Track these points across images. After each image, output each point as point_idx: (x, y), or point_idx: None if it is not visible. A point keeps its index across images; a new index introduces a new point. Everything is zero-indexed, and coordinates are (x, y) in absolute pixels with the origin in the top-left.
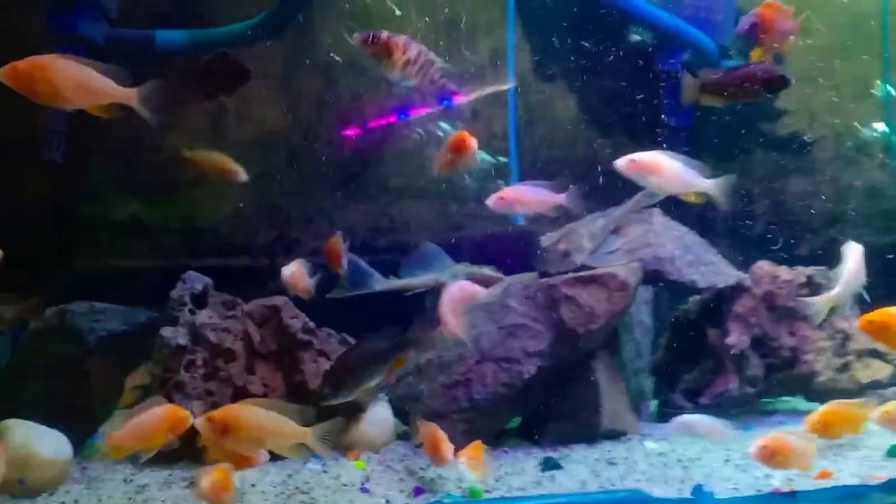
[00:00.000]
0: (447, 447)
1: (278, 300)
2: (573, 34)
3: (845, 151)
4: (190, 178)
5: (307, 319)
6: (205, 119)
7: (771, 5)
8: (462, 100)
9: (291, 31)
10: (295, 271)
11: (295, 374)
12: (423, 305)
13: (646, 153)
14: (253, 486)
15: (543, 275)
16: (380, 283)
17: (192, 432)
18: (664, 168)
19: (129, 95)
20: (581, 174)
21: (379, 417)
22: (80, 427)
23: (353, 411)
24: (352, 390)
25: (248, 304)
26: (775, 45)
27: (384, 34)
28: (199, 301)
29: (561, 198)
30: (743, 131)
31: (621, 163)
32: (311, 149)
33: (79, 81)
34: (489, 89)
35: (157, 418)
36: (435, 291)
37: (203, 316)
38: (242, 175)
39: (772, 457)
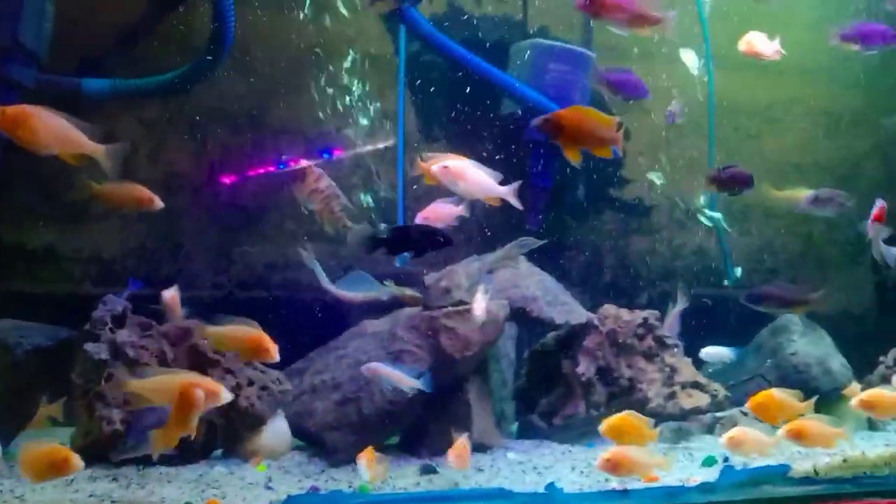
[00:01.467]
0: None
1: (191, 323)
2: (455, 101)
3: (678, 216)
4: (99, 212)
5: None
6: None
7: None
8: (342, 154)
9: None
10: (173, 295)
11: None
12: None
13: (456, 161)
14: (169, 482)
15: (426, 308)
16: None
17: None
18: (469, 175)
19: (98, 150)
20: (460, 224)
21: (278, 430)
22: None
23: (255, 424)
24: None
25: (164, 325)
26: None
27: (304, 162)
28: (119, 322)
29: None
30: (595, 195)
31: (436, 168)
32: (214, 192)
33: (58, 132)
34: (377, 146)
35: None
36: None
37: (122, 334)
38: (158, 202)
39: (615, 468)
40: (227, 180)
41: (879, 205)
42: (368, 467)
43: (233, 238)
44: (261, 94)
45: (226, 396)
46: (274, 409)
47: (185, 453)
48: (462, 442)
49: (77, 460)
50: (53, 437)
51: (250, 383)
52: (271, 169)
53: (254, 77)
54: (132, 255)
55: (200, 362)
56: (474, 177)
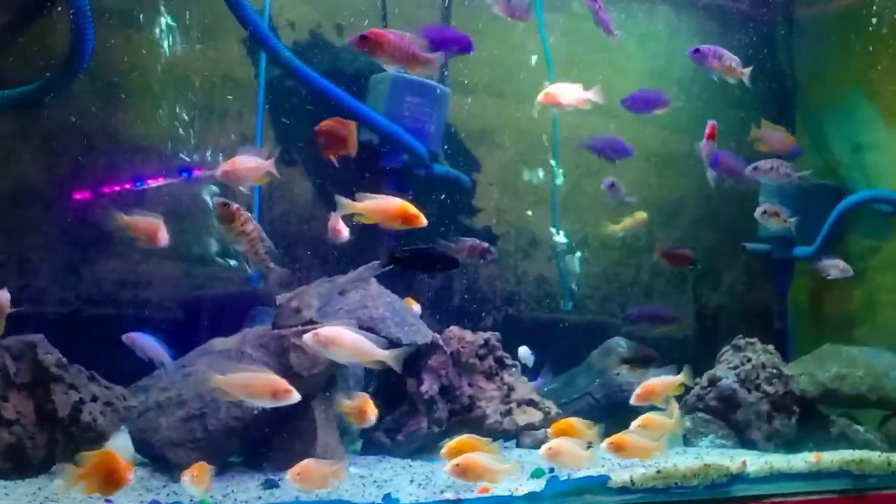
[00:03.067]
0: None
1: (35, 337)
2: (312, 125)
3: (523, 245)
4: None
5: (60, 356)
6: None
7: (334, 120)
8: (203, 174)
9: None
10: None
11: (46, 404)
12: None
13: (328, 329)
14: (7, 495)
15: (276, 327)
16: None
17: None
18: (344, 341)
19: None
20: (314, 248)
21: (119, 446)
22: None
23: (97, 439)
24: None
25: (6, 339)
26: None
27: (235, 206)
28: None
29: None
30: (446, 222)
31: (307, 337)
32: (65, 207)
33: None
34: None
35: None
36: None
37: None
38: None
39: (463, 473)
40: (79, 196)
41: (711, 123)
42: (194, 483)
43: (82, 254)
44: (117, 111)
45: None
46: (117, 425)
47: (23, 467)
48: (307, 463)
49: None
50: None
51: (94, 399)
52: (127, 186)
53: (111, 93)
54: None
55: (44, 377)
56: (351, 342)
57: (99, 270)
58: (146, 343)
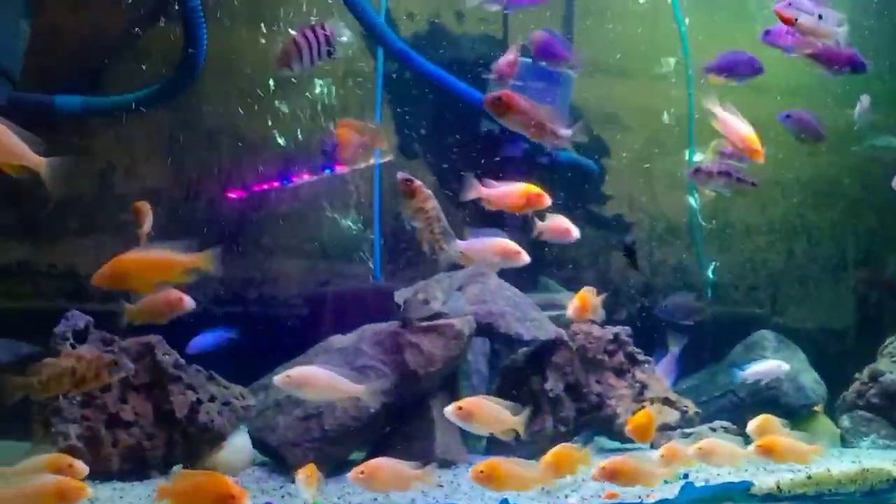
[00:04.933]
0: None
1: (153, 338)
2: (434, 119)
3: (659, 232)
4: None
5: (178, 357)
6: (93, 174)
7: (346, 124)
8: (343, 169)
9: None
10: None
11: (164, 404)
12: None
13: (300, 369)
14: (121, 497)
15: (405, 321)
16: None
17: None
18: (318, 381)
19: (39, 163)
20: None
21: (238, 445)
22: None
23: (215, 440)
24: None
25: (125, 340)
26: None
27: (417, 182)
28: (81, 337)
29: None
30: (574, 211)
31: (277, 379)
32: (191, 207)
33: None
34: (369, 161)
35: None
36: None
37: (83, 350)
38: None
39: (611, 476)
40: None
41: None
42: (305, 484)
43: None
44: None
45: None
46: (235, 424)
47: (142, 468)
48: (376, 463)
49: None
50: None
51: (212, 399)
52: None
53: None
54: None
55: (161, 378)
56: (324, 381)
57: (226, 269)
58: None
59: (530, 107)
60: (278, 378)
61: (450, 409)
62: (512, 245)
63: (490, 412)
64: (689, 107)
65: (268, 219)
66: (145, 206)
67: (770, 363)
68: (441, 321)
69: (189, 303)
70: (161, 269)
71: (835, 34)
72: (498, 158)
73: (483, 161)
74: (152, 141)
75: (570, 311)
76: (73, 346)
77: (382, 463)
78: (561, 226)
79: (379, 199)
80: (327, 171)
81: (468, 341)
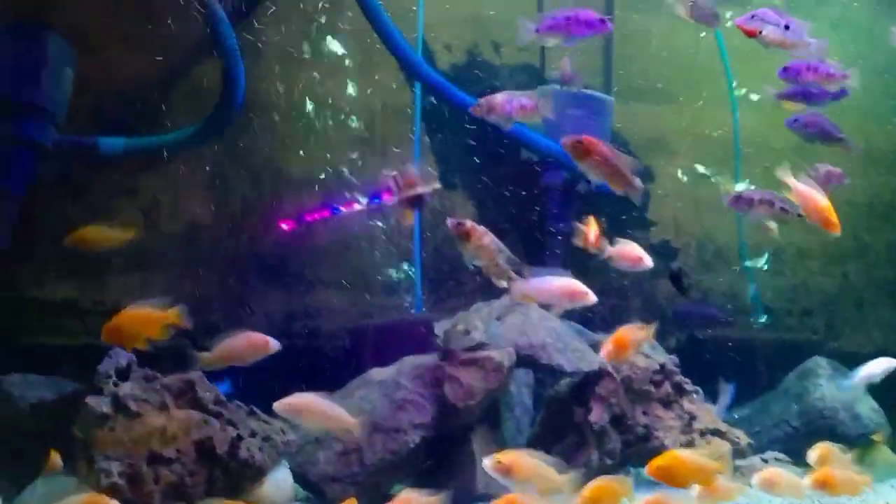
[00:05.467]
0: None
1: (194, 375)
2: (472, 150)
3: (707, 258)
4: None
5: (219, 393)
6: (137, 212)
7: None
8: (390, 200)
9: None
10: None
11: (206, 441)
12: None
13: (298, 397)
14: None
15: (446, 352)
16: None
17: None
18: (313, 409)
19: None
20: (479, 271)
21: (279, 480)
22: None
23: (256, 475)
24: None
25: (167, 377)
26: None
27: (469, 223)
28: (123, 375)
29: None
30: (619, 237)
31: (277, 405)
32: (234, 243)
33: None
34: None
35: None
36: None
37: (125, 387)
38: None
39: None
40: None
41: None
42: None
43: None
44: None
45: None
46: (276, 459)
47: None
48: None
49: None
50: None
51: (252, 434)
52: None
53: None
54: None
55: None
56: (321, 410)
57: (269, 303)
58: None
59: (611, 153)
60: (276, 404)
61: (488, 463)
62: (578, 285)
63: (532, 469)
64: (735, 131)
65: (309, 253)
66: None
67: (880, 360)
68: (480, 353)
69: (275, 345)
70: (148, 324)
71: (805, 45)
72: (537, 187)
73: (522, 190)
74: (196, 178)
75: (604, 353)
76: (115, 384)
77: (412, 497)
78: (633, 253)
79: (419, 231)
80: (374, 203)
81: (509, 373)
